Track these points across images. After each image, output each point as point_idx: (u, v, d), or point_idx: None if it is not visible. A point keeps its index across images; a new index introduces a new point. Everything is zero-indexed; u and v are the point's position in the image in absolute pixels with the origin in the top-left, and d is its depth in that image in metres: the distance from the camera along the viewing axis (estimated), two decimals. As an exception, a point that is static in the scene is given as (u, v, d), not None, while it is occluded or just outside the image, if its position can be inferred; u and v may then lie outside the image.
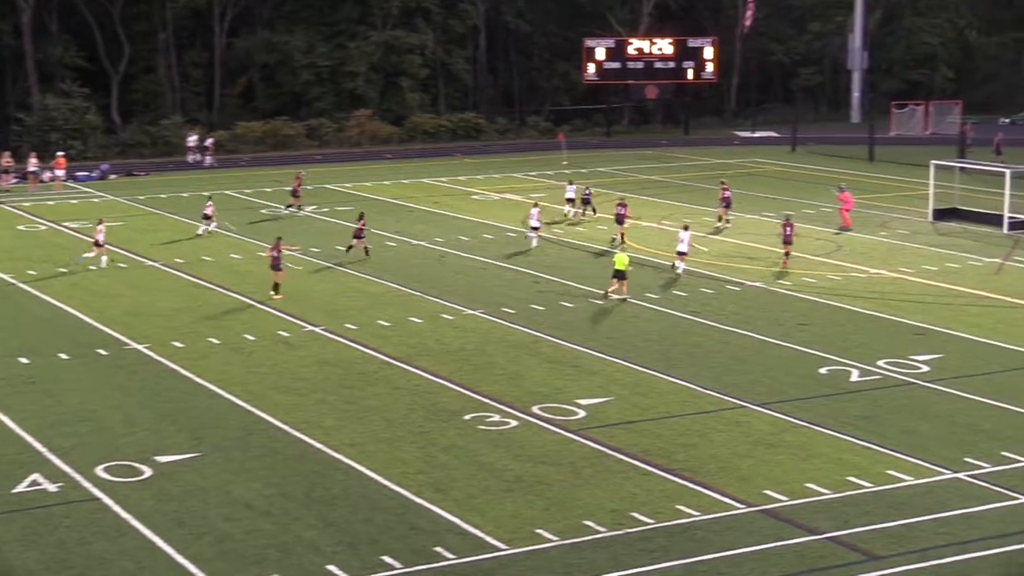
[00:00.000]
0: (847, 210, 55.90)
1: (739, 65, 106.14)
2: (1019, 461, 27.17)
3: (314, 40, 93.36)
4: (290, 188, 62.09)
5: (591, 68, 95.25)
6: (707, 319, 39.66)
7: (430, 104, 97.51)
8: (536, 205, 53.50)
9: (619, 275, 42.62)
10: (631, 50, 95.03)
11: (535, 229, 52.00)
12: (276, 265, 42.88)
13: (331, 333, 38.34)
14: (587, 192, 59.19)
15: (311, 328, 38.95)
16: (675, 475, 26.63)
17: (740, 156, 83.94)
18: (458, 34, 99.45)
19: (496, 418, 30.26)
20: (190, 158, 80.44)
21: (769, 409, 30.78)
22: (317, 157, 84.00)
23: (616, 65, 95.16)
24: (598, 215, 57.75)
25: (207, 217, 54.83)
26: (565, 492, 25.81)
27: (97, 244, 48.01)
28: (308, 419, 30.35)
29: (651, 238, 53.34)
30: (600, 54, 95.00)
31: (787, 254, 47.67)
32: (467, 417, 30.34)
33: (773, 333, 37.85)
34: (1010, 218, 55.11)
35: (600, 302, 41.89)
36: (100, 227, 48.63)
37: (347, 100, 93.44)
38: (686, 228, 47.38)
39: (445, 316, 40.35)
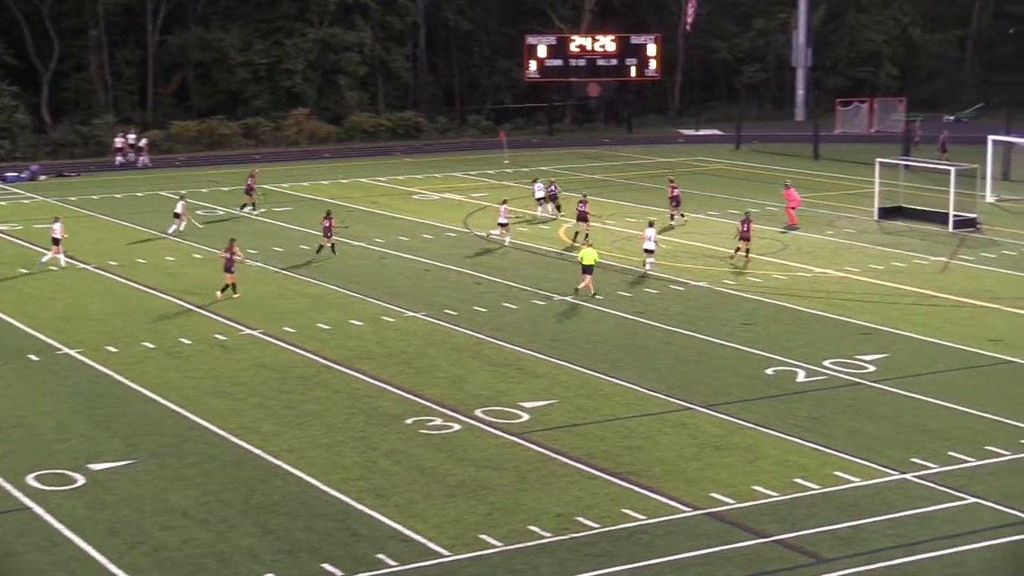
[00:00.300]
0: (793, 208, 56.24)
1: (682, 62, 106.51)
2: (966, 461, 27.41)
3: (250, 37, 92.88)
4: (243, 187, 61.75)
5: (533, 66, 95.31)
6: (652, 320, 39.75)
7: (369, 103, 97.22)
8: (505, 202, 53.73)
9: (587, 270, 43.01)
10: (573, 47, 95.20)
11: (503, 226, 52.31)
12: (229, 267, 42.77)
13: (269, 336, 38.12)
14: (552, 188, 59.27)
15: (248, 331, 38.71)
16: (621, 478, 26.65)
17: (684, 154, 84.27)
18: (397, 31, 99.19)
19: (438, 422, 30.18)
20: (118, 160, 79.53)
21: (715, 411, 30.88)
22: (254, 156, 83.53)
23: (558, 62, 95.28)
24: (562, 214, 57.98)
25: (177, 216, 54.67)
26: (509, 497, 25.78)
27: (55, 242, 47.84)
28: (246, 424, 30.15)
29: (596, 238, 53.39)
30: (542, 51, 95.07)
31: (747, 251, 48.14)
32: (409, 421, 30.25)
33: (718, 334, 38.00)
34: (955, 216, 55.60)
35: (541, 303, 41.91)
36: (56, 225, 48.35)
37: (284, 98, 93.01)
38: (651, 225, 47.80)
39: (386, 318, 40.23)
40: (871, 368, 34.37)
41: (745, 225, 48.33)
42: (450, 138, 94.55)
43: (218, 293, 42.75)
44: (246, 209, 60.06)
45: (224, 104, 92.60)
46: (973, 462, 27.35)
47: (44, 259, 47.99)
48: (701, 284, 44.79)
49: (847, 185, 68.66)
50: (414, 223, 57.72)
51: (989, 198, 62.79)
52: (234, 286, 42.84)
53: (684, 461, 27.57)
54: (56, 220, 49.20)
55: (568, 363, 35.01)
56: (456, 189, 68.45)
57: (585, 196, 55.19)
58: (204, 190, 67.94)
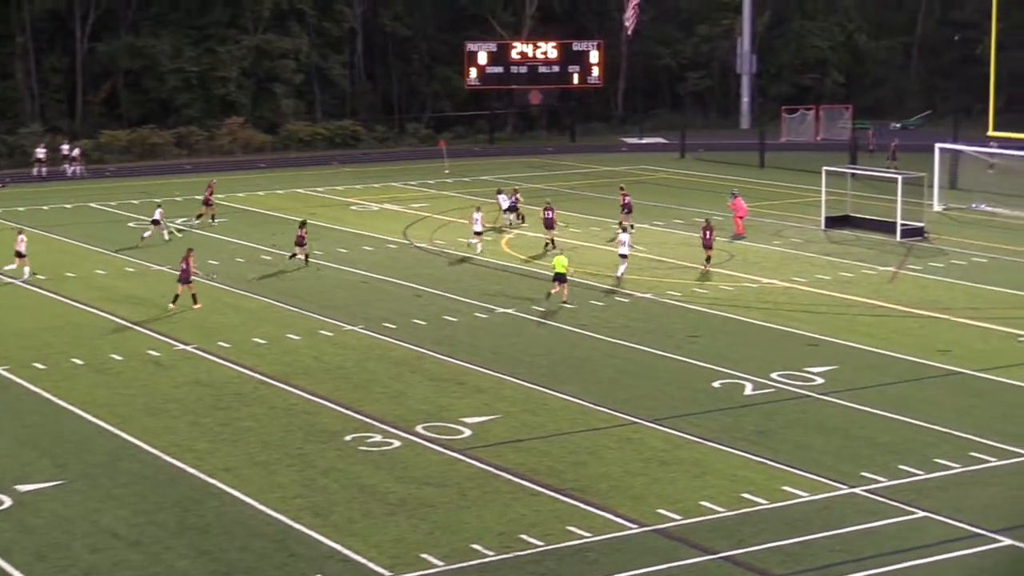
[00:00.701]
0: (740, 218, 56.54)
1: (625, 69, 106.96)
2: (916, 475, 27.59)
3: (182, 44, 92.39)
4: (201, 197, 61.41)
5: (473, 73, 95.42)
6: (596, 332, 39.82)
7: (305, 111, 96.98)
8: (479, 209, 53.94)
9: (559, 278, 43.42)
10: (514, 54, 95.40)
11: (478, 234, 52.65)
12: (186, 278, 42.88)
13: (203, 352, 37.87)
14: (514, 199, 59.22)
15: (182, 347, 38.45)
16: (565, 495, 26.64)
17: (628, 163, 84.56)
18: (334, 38, 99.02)
19: (378, 438, 30.08)
20: (35, 171, 78.52)
21: (661, 425, 30.94)
22: (187, 167, 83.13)
23: (499, 70, 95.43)
24: (524, 224, 58.08)
25: (156, 223, 55.30)
26: (451, 515, 25.72)
27: (19, 255, 47.99)
28: (179, 442, 29.92)
29: (539, 247, 53.47)
30: (482, 58, 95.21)
31: (708, 258, 48.68)
32: (347, 438, 30.13)
33: (664, 346, 38.11)
34: (903, 225, 56.06)
35: (483, 316, 41.90)
36: (21, 237, 48.57)
37: (218, 107, 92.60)
38: (624, 230, 48.56)
39: (324, 332, 40.08)
40: (819, 380, 34.56)
41: (707, 233, 48.73)
42: (389, 147, 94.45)
43: (170, 304, 42.86)
44: (200, 219, 59.64)
45: (156, 113, 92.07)
46: (923, 475, 27.55)
47: (5, 268, 48.32)
48: (646, 296, 44.91)
49: (793, 194, 69.12)
50: (353, 234, 57.58)
51: (936, 207, 63.42)
52: (194, 296, 43.06)
53: (630, 477, 27.60)
54: (19, 232, 49.46)
55: (511, 377, 34.99)
56: (396, 199, 68.35)
57: (549, 203, 55.36)
58: (135, 201, 67.46)
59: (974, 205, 64.50)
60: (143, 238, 55.04)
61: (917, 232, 56.30)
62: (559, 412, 32.02)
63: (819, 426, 30.85)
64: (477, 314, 42.35)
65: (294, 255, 50.52)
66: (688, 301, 44.12)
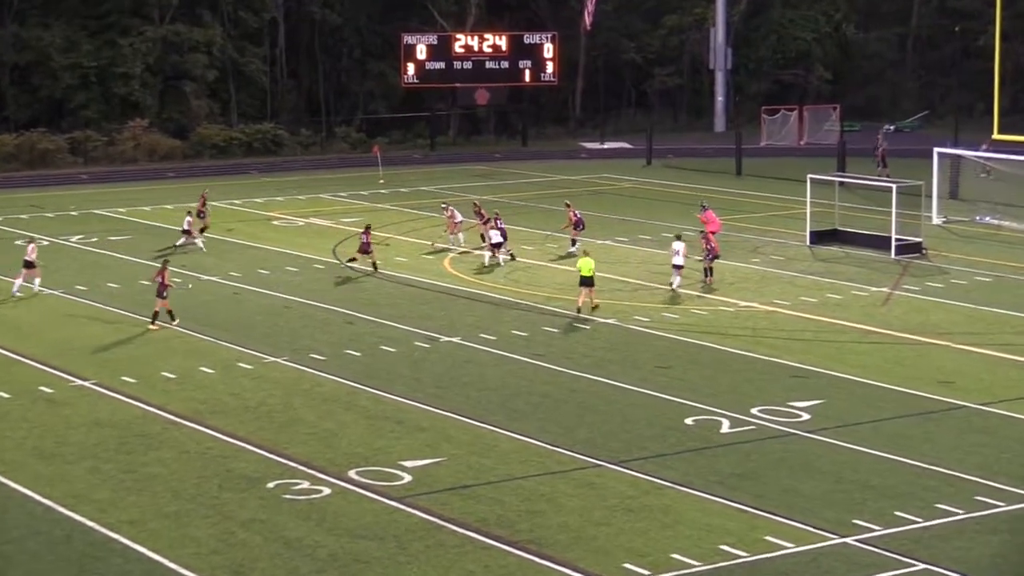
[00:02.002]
0: (712, 232, 56.69)
1: (584, 65, 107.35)
2: (914, 522, 27.78)
3: (77, 36, 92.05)
4: (195, 208, 61.32)
5: (411, 69, 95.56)
6: (553, 363, 39.92)
7: (220, 113, 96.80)
8: (497, 216, 54.66)
9: (586, 282, 44.58)
10: (458, 47, 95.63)
11: (496, 246, 53.55)
12: (161, 292, 44.19)
13: (104, 388, 37.72)
14: (448, 208, 59.19)
15: (80, 382, 38.29)
16: (519, 548, 26.70)
17: (587, 171, 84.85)
18: (252, 29, 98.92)
19: (305, 485, 30.04)
20: None
21: (627, 468, 31.05)
22: (83, 176, 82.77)
23: (440, 65, 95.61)
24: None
25: (187, 232, 57.47)
26: (389, 571, 25.71)
27: (29, 265, 49.45)
28: (77, 492, 29.78)
29: (486, 270, 53.58)
30: (421, 52, 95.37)
31: (709, 270, 50.30)
32: (270, 485, 30.07)
33: (630, 378, 38.25)
34: (898, 240, 56.48)
35: (425, 345, 41.95)
36: (31, 247, 50.21)
37: (119, 108, 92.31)
38: (679, 238, 50.08)
39: (243, 365, 40.00)
40: (805, 416, 34.77)
41: (708, 239, 50.83)
42: (315, 154, 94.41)
43: (150, 325, 44.10)
44: (199, 240, 59.16)
45: (46, 114, 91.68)
46: (922, 523, 27.74)
47: (18, 285, 49.46)
48: (609, 321, 45.08)
49: (775, 205, 69.53)
50: (275, 253, 57.49)
51: (936, 219, 63.93)
52: (170, 313, 44.37)
53: (592, 527, 27.68)
54: (30, 242, 51.01)
55: (457, 414, 35.03)
56: (323, 213, 68.30)
57: (497, 215, 55.62)
58: (25, 216, 67.12)
59: (978, 217, 65.10)
60: (176, 246, 57.33)
61: (914, 248, 56.74)
62: (512, 454, 32.07)
63: (805, 468, 31.04)
64: (418, 343, 42.37)
65: (354, 259, 53.68)
66: (657, 327, 44.30)
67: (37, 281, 49.82)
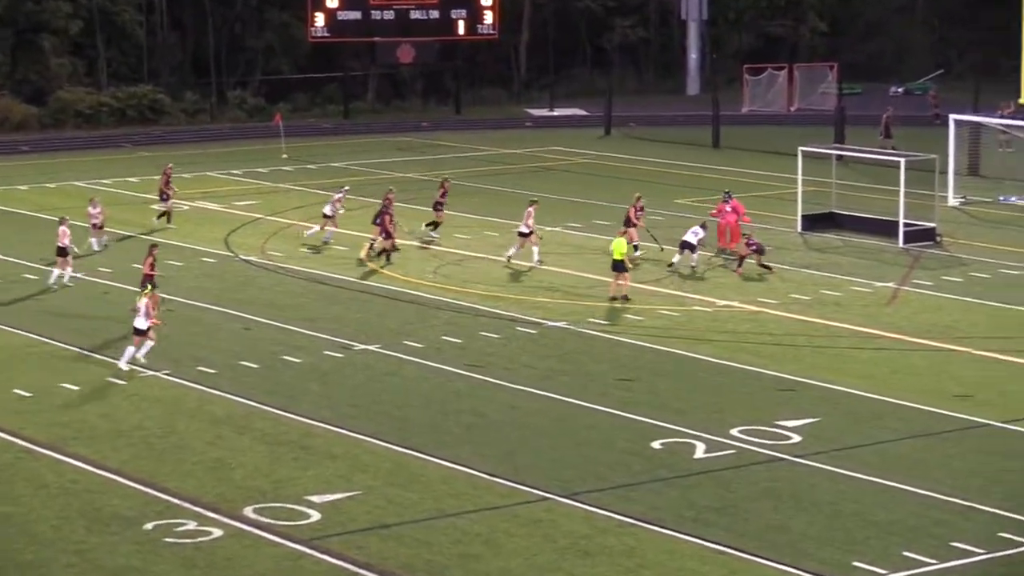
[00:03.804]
0: (736, 221, 55.46)
1: (530, 15, 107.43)
2: (927, 564, 27.93)
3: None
4: (158, 187, 61.49)
5: (319, 20, 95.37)
6: (491, 376, 39.92)
7: (85, 73, 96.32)
8: (534, 203, 54.07)
9: (617, 267, 46.03)
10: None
11: (524, 235, 53.00)
12: (150, 281, 44.34)
13: (-55, 409, 37.56)
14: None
15: (-85, 402, 38.10)
16: (451, 600, 26.74)
17: (533, 143, 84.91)
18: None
19: (191, 526, 29.95)
20: None
21: (581, 501, 31.09)
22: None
23: (355, 15, 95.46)
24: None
25: (329, 216, 57.16)
26: (294, 630, 25.70)
27: (62, 253, 49.94)
28: (-88, 536, 29.64)
29: (411, 264, 53.57)
30: (332, 0, 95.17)
31: (740, 260, 51.54)
32: (148, 526, 29.96)
33: (585, 393, 38.29)
34: (907, 226, 56.72)
35: (337, 355, 41.90)
36: (63, 229, 50.27)
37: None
38: (703, 226, 52.20)
39: (115, 380, 39.83)
40: (796, 438, 34.90)
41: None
42: (203, 123, 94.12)
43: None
44: (159, 220, 60.28)
45: None
46: (936, 565, 27.89)
47: (54, 276, 50.27)
48: (559, 324, 45.14)
49: (759, 184, 69.78)
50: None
51: (952, 200, 64.32)
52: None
53: (539, 572, 27.73)
54: (62, 221, 50.88)
55: (375, 438, 35.00)
56: (214, 195, 68.11)
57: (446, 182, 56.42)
58: None
59: (1002, 198, 65.56)
60: (326, 241, 56.86)
61: (927, 235, 57.04)
62: (440, 486, 32.07)
63: (796, 499, 31.17)
64: (328, 352, 42.31)
65: (371, 245, 53.83)
66: (618, 331, 44.38)
67: (69, 271, 50.36)
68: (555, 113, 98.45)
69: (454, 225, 59.13)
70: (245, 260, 54.46)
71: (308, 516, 30.41)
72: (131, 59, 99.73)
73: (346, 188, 59.91)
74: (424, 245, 56.25)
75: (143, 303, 40.92)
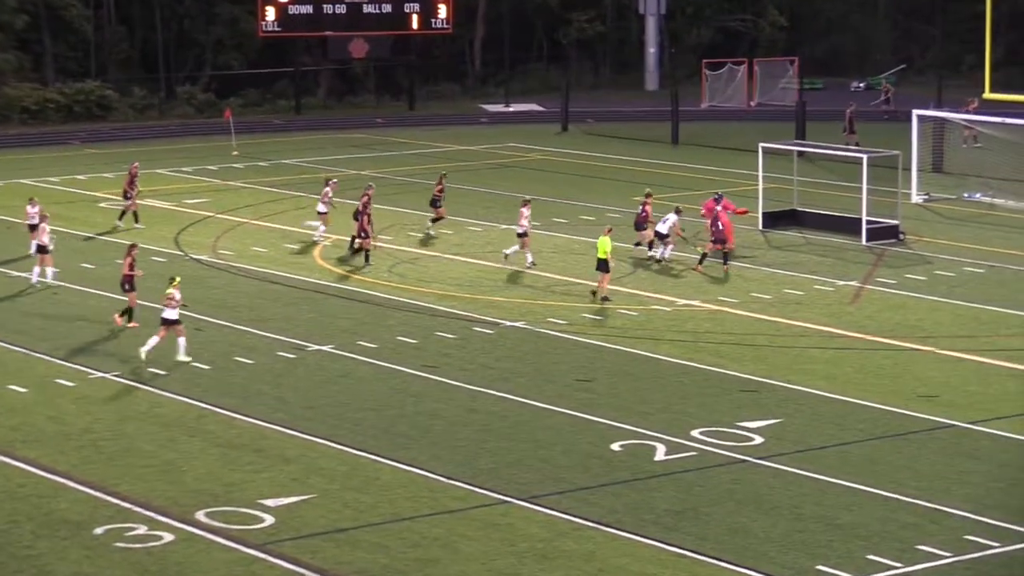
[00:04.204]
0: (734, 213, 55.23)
1: (485, 9, 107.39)
2: (891, 567, 27.97)
3: None
4: (123, 186, 61.11)
5: (270, 13, 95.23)
6: (448, 376, 39.91)
7: (32, 68, 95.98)
8: (527, 202, 54.15)
9: (601, 266, 46.59)
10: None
11: (521, 236, 53.19)
12: (129, 282, 44.73)
13: None
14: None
15: None
16: (408, 605, 26.74)
17: (489, 140, 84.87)
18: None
19: (142, 531, 29.87)
20: None
21: (540, 504, 31.10)
22: None
23: (307, 9, 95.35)
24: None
25: (323, 213, 56.79)
26: (247, 636, 25.67)
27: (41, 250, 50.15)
28: None
29: (369, 260, 53.56)
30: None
31: (725, 255, 51.77)
32: (98, 531, 29.88)
33: (543, 394, 38.31)
34: (870, 223, 56.87)
35: (290, 356, 41.84)
36: (44, 226, 50.74)
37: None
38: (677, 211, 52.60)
39: (62, 382, 39.71)
40: (758, 440, 34.97)
41: (715, 213, 52.11)
42: (152, 119, 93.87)
43: (120, 319, 44.65)
44: (124, 219, 60.02)
45: None
46: (901, 568, 27.95)
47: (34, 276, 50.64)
48: (517, 324, 45.15)
49: (719, 181, 69.85)
50: (102, 242, 57.12)
51: (916, 197, 64.53)
52: (130, 312, 44.71)
53: (498, 577, 27.78)
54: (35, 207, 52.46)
55: (329, 441, 34.96)
56: (163, 193, 67.91)
57: (332, 181, 56.01)
58: None
59: (967, 195, 65.79)
60: (431, 235, 56.93)
61: (890, 232, 57.19)
62: (397, 489, 32.06)
63: (758, 502, 31.23)
64: (281, 353, 42.25)
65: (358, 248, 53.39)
66: (576, 331, 44.40)
67: (50, 272, 50.55)
68: (511, 109, 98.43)
69: (409, 222, 59.08)
70: (196, 259, 54.34)
71: (261, 520, 30.36)
72: (78, 54, 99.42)
73: (334, 180, 59.47)
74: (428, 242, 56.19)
75: (175, 293, 41.25)
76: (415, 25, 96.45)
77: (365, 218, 53.17)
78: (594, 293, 47.40)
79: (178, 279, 42.06)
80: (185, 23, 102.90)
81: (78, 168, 75.25)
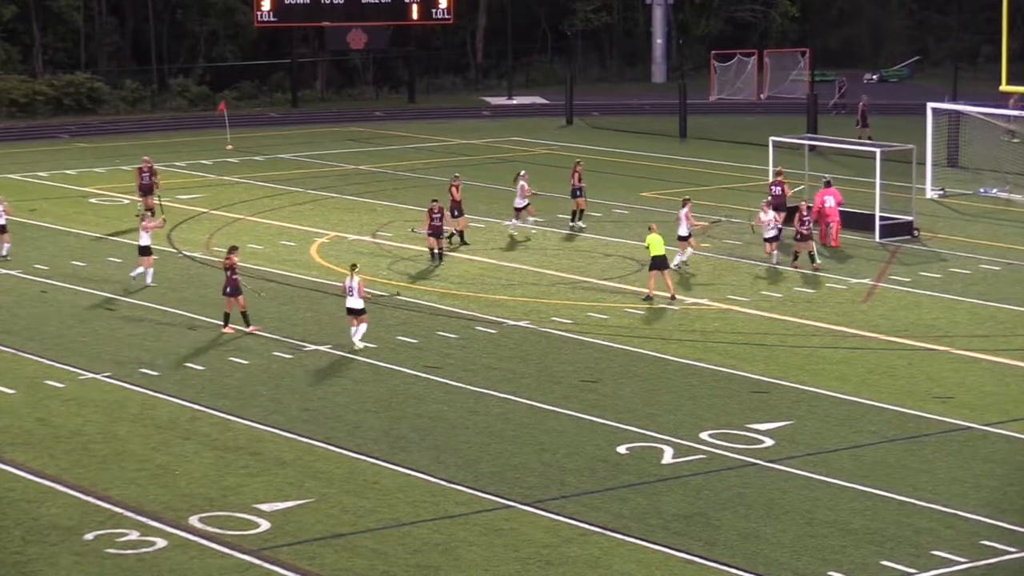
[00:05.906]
0: (834, 211, 54.94)
1: (487, 0, 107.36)
2: (906, 574, 27.98)
3: None
4: (138, 184, 61.00)
5: (266, 4, 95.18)
6: (450, 378, 39.92)
7: (20, 60, 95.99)
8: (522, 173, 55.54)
9: (658, 264, 46.51)
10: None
11: (518, 210, 54.78)
12: (234, 285, 44.45)
13: None
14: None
15: None
16: (408, 613, 26.74)
17: (491, 134, 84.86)
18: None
19: (134, 536, 29.90)
20: None
21: (544, 509, 31.12)
22: None
23: (304, 0, 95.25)
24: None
25: (520, 209, 57.19)
26: (243, 645, 25.68)
27: (145, 252, 49.62)
28: None
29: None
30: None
31: (795, 254, 51.69)
32: (89, 536, 29.90)
33: (548, 396, 38.31)
34: (884, 220, 56.84)
35: (287, 356, 41.86)
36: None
37: None
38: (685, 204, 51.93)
39: (52, 383, 39.72)
40: (768, 442, 34.98)
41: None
42: (144, 112, 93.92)
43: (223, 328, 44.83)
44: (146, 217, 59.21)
45: None
46: (915, 574, 27.98)
47: (135, 272, 50.20)
48: (521, 324, 45.15)
49: (728, 176, 69.87)
50: (93, 240, 57.11)
51: (930, 193, 64.50)
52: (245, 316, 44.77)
53: (495, 584, 27.79)
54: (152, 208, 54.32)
55: (326, 444, 34.97)
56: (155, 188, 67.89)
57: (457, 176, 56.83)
58: None
59: (983, 190, 65.76)
60: (522, 236, 56.97)
61: (904, 229, 57.18)
62: (396, 493, 32.07)
63: (769, 506, 31.24)
64: (278, 353, 42.25)
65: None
66: (582, 331, 44.40)
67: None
68: (514, 102, 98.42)
69: (410, 219, 59.04)
70: (189, 256, 54.33)
71: (257, 525, 30.38)
72: (68, 45, 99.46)
73: (524, 172, 58.98)
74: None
75: (356, 282, 41.97)
76: (415, 15, 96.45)
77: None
78: (649, 298, 47.37)
79: (357, 265, 43.19)
80: (178, 13, 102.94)
81: (67, 163, 75.26)
